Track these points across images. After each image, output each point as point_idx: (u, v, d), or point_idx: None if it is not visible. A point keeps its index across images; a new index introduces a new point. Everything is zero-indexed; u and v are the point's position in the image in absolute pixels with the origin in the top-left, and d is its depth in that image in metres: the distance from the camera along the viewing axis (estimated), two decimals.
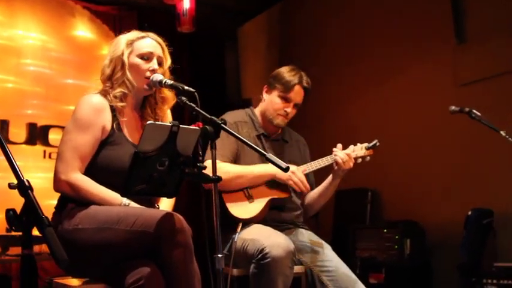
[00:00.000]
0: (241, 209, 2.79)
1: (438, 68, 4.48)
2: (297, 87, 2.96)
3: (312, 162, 2.95)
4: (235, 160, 2.90)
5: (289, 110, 2.97)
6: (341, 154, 2.84)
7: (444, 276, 4.14)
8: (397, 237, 4.11)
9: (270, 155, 2.00)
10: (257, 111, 3.11)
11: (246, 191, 2.84)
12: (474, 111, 3.15)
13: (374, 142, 2.90)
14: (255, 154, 2.89)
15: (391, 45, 4.87)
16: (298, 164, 2.93)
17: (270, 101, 3.01)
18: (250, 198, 2.83)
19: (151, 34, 2.46)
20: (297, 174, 2.82)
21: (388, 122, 4.82)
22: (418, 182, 4.51)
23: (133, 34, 2.44)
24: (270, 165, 2.83)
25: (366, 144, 2.91)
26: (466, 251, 3.66)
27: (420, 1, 4.65)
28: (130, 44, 2.39)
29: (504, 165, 3.89)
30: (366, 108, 5.08)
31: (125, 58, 2.35)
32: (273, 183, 2.88)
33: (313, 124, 5.28)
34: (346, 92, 5.35)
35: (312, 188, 3.07)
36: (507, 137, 3.04)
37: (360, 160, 2.90)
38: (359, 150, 2.91)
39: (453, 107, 3.23)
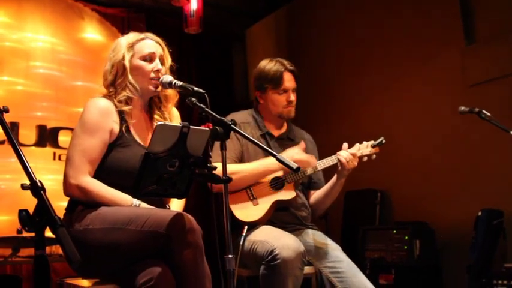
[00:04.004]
0: (245, 212, 2.77)
1: (447, 69, 4.47)
2: (286, 75, 2.97)
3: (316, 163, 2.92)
4: (240, 161, 2.90)
5: (292, 97, 2.99)
6: (344, 154, 2.82)
7: (454, 277, 4.12)
8: (406, 238, 4.09)
9: (280, 156, 1.99)
10: (260, 111, 3.10)
11: (249, 190, 2.82)
12: (484, 111, 3.14)
13: (380, 140, 2.87)
14: (259, 155, 2.89)
15: (400, 46, 4.87)
16: None
17: (271, 102, 3.01)
18: (253, 199, 2.80)
19: (150, 35, 2.47)
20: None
21: (398, 123, 4.81)
22: (428, 183, 4.50)
23: (133, 36, 2.45)
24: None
25: (371, 142, 2.88)
26: (475, 251, 3.64)
27: (429, 3, 4.64)
28: (131, 47, 2.40)
29: None
30: (375, 109, 5.07)
31: (126, 62, 2.36)
32: (277, 184, 2.85)
33: (323, 125, 5.27)
34: (355, 94, 5.34)
35: (320, 185, 3.07)
36: None
37: (365, 158, 2.87)
38: (364, 148, 2.88)
39: (463, 108, 3.21)
